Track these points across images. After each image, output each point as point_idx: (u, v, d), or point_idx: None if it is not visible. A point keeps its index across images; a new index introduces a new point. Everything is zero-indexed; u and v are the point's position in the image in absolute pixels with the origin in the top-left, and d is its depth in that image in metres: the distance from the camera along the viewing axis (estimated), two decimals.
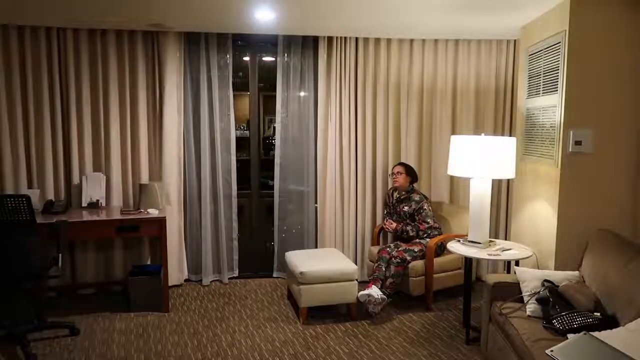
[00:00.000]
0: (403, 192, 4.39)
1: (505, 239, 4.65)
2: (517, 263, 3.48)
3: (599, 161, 3.24)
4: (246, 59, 4.90)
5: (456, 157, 3.52)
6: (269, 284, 4.78)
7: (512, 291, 2.99)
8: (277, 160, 4.80)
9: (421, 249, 4.11)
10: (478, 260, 4.68)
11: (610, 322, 2.47)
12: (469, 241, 3.55)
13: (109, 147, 4.37)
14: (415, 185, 4.46)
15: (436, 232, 4.24)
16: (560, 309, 2.62)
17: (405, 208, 4.33)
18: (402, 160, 4.72)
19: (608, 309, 2.62)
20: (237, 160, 4.76)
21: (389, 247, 4.18)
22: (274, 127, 5.02)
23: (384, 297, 3.84)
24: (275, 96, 4.75)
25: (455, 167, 3.54)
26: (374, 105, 4.68)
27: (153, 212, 4.05)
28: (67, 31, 4.19)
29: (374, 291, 3.82)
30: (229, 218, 4.76)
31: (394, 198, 4.47)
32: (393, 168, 4.45)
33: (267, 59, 4.95)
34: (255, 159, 4.95)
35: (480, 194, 3.49)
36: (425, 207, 4.28)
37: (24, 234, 3.25)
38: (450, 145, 3.63)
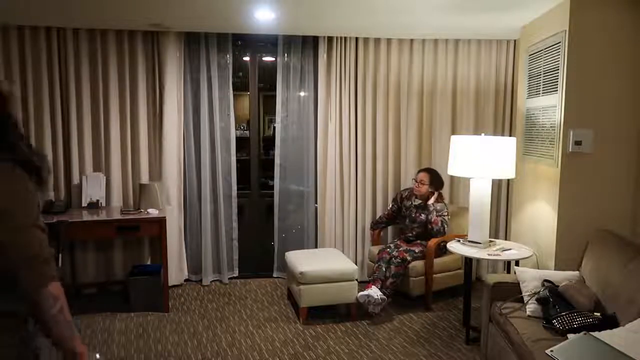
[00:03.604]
0: (421, 200, 4.29)
1: (505, 239, 4.64)
2: (517, 263, 3.48)
3: (599, 161, 3.24)
4: (246, 59, 4.90)
5: (456, 157, 3.52)
6: (269, 284, 4.78)
7: (512, 291, 2.98)
8: (277, 160, 4.80)
9: (422, 249, 4.11)
10: (478, 260, 4.68)
11: (610, 322, 2.47)
12: (469, 241, 3.55)
13: (109, 147, 4.37)
14: (441, 192, 4.32)
15: (439, 235, 4.19)
16: (560, 309, 2.62)
17: (422, 216, 4.25)
18: (402, 159, 4.72)
19: (608, 309, 2.62)
20: (237, 160, 4.76)
21: (389, 247, 4.17)
22: (274, 127, 5.02)
23: (384, 297, 3.83)
24: (275, 96, 4.74)
25: (455, 167, 3.54)
26: (374, 105, 4.68)
27: (153, 212, 4.04)
28: (67, 31, 4.19)
29: (374, 291, 3.82)
30: (229, 218, 4.76)
31: (412, 203, 4.34)
32: (418, 174, 4.32)
33: (267, 59, 4.95)
34: (255, 159, 4.95)
35: (480, 194, 3.49)
36: (446, 214, 4.19)
37: None
38: (450, 145, 3.62)
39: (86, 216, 3.96)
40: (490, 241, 3.61)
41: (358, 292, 3.84)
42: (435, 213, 4.16)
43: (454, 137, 3.63)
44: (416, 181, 4.29)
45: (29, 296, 1.23)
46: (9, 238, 1.20)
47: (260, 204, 4.99)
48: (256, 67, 4.85)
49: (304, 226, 4.89)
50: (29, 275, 1.21)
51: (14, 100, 1.39)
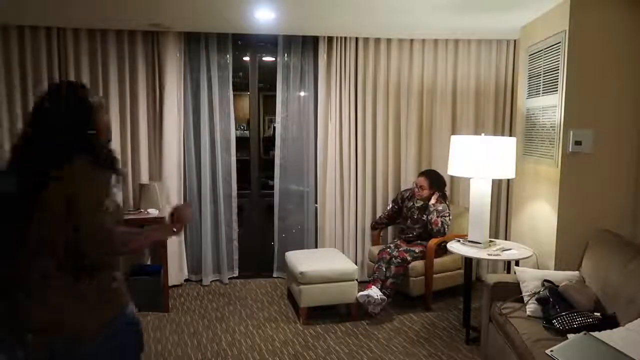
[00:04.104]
0: (423, 202, 4.28)
1: (505, 239, 4.64)
2: (517, 263, 3.48)
3: (599, 161, 3.24)
4: (246, 59, 4.90)
5: (456, 157, 3.52)
6: (269, 284, 4.78)
7: (512, 291, 2.98)
8: (277, 161, 4.80)
9: (422, 249, 4.11)
10: (478, 260, 4.68)
11: (610, 322, 2.47)
12: (469, 241, 3.55)
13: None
14: (444, 192, 4.31)
15: (439, 235, 4.19)
16: (560, 309, 2.62)
17: (424, 217, 4.23)
18: (402, 159, 4.72)
19: (608, 309, 2.62)
20: (237, 160, 4.75)
21: (389, 247, 4.17)
22: (274, 127, 5.02)
23: (384, 297, 3.83)
24: (275, 96, 4.74)
25: (455, 167, 3.54)
26: (374, 105, 4.68)
27: (153, 212, 4.04)
28: (67, 31, 4.19)
29: (374, 292, 3.82)
30: (229, 218, 4.76)
31: (414, 204, 4.33)
32: (417, 179, 4.32)
33: (267, 59, 4.95)
34: (255, 159, 4.95)
35: (480, 194, 3.49)
36: (447, 215, 4.17)
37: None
38: (450, 145, 3.62)
39: None
40: (491, 241, 3.61)
41: (358, 292, 3.85)
42: (435, 214, 4.15)
43: (454, 137, 3.62)
44: (416, 186, 4.29)
45: (98, 256, 1.58)
46: (89, 213, 1.53)
47: (260, 204, 4.99)
48: (256, 67, 4.85)
49: (304, 226, 4.89)
50: (96, 244, 1.54)
51: (102, 109, 1.73)
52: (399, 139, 4.74)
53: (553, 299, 2.69)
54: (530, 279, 2.94)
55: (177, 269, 4.58)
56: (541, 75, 3.53)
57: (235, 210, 4.78)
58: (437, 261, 4.12)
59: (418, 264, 4.05)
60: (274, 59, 4.79)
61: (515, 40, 4.61)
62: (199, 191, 4.66)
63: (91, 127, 1.66)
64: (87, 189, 1.56)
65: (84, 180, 1.57)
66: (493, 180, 3.74)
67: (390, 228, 4.78)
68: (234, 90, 4.67)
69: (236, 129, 4.82)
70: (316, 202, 4.80)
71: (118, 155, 1.79)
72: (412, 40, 4.63)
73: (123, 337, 1.69)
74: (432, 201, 4.20)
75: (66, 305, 1.58)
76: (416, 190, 4.28)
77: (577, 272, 3.00)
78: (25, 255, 1.57)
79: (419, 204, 4.30)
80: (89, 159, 1.60)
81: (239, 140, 4.89)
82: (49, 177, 1.52)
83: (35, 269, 1.56)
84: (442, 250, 4.09)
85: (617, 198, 3.27)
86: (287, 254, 4.29)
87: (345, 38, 4.58)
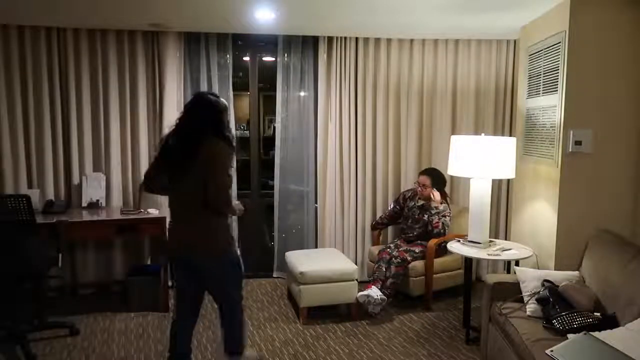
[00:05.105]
0: (424, 201, 4.27)
1: (505, 239, 4.64)
2: (517, 263, 3.48)
3: (599, 161, 3.24)
4: (246, 59, 4.89)
5: (456, 157, 3.53)
6: (269, 284, 4.78)
7: (512, 291, 2.99)
8: (277, 161, 4.80)
9: (422, 249, 4.11)
10: (478, 260, 4.68)
11: (610, 322, 2.47)
12: (469, 241, 3.55)
13: (109, 147, 4.37)
14: (445, 191, 4.31)
15: (438, 236, 4.18)
16: (560, 309, 2.62)
17: (425, 217, 4.24)
18: (402, 159, 4.72)
19: (608, 309, 2.62)
20: (237, 160, 4.75)
21: (390, 247, 4.17)
22: (274, 127, 5.02)
23: (384, 297, 3.83)
24: (275, 96, 4.75)
25: (455, 167, 3.54)
26: (374, 106, 4.68)
27: (153, 212, 4.04)
28: (67, 31, 4.19)
29: (374, 292, 3.82)
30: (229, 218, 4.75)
31: (415, 204, 4.34)
32: (419, 177, 4.32)
33: (267, 59, 4.95)
34: (255, 159, 4.95)
35: (480, 194, 3.49)
36: (448, 214, 4.18)
37: (24, 234, 3.25)
38: (450, 145, 3.62)
39: (86, 216, 3.96)
40: (490, 241, 3.61)
41: (358, 292, 3.85)
42: (437, 216, 4.15)
43: (454, 137, 3.62)
44: (419, 185, 4.28)
45: (219, 207, 2.57)
46: (218, 175, 2.50)
47: (260, 204, 4.99)
48: (256, 67, 4.85)
49: (304, 226, 4.89)
50: (220, 197, 2.53)
51: (227, 110, 2.73)
52: (399, 139, 4.74)
53: (553, 299, 2.69)
54: (530, 279, 2.94)
55: None
56: (541, 75, 3.53)
57: None
58: (437, 261, 4.12)
59: (418, 264, 4.05)
60: (274, 59, 4.79)
61: (515, 40, 4.60)
62: None
63: (220, 120, 2.61)
64: (221, 157, 2.51)
65: (219, 152, 2.51)
66: (493, 180, 3.74)
67: (390, 228, 4.78)
68: (234, 90, 4.67)
69: (236, 129, 4.81)
70: (316, 202, 4.80)
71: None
72: (412, 40, 4.63)
73: (234, 263, 2.76)
74: (436, 199, 4.20)
75: (205, 232, 2.58)
76: (419, 189, 4.27)
77: (577, 272, 3.00)
78: (183, 194, 2.55)
79: (420, 203, 4.30)
80: (221, 138, 2.55)
81: (239, 140, 4.89)
82: (199, 147, 2.48)
83: (191, 204, 2.54)
84: (442, 250, 4.08)
85: (617, 198, 3.27)
86: (287, 254, 4.29)
87: (345, 38, 4.58)
